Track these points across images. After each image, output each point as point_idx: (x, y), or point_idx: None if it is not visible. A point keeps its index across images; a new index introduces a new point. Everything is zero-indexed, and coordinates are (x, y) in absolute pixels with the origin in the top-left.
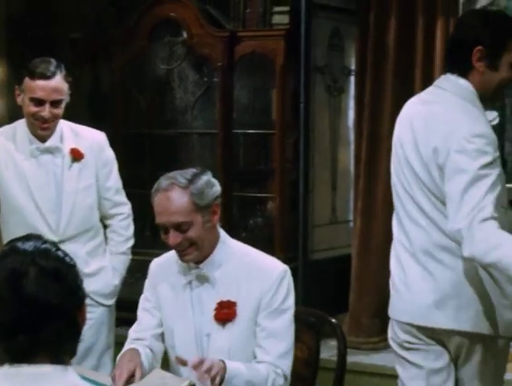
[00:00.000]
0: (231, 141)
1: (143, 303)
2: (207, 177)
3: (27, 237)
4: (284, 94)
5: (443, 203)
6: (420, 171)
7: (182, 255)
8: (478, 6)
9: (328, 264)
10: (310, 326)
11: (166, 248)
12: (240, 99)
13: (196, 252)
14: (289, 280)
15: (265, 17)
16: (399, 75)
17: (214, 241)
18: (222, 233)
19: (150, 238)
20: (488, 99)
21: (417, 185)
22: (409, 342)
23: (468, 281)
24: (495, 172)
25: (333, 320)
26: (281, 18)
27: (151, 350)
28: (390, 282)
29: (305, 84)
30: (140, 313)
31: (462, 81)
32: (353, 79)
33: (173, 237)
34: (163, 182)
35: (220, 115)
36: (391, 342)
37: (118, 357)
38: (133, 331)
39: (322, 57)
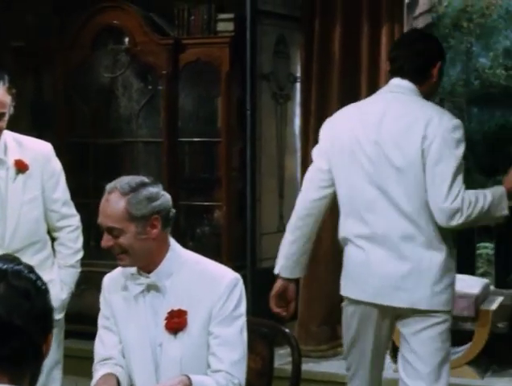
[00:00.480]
0: (176, 150)
1: (101, 321)
2: (154, 189)
3: (2, 257)
4: (230, 102)
5: (420, 197)
6: (403, 166)
7: (117, 259)
8: (417, 12)
9: None
10: (263, 336)
11: (111, 258)
12: (185, 107)
13: (128, 259)
14: (241, 288)
15: (209, 24)
16: (345, 81)
17: (157, 251)
18: (173, 242)
19: (94, 249)
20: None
21: (396, 179)
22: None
23: (425, 266)
24: None
25: (286, 330)
26: (226, 26)
27: (121, 367)
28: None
29: (251, 91)
30: (101, 331)
31: (412, 85)
32: (298, 86)
33: (105, 240)
34: (112, 183)
35: (165, 123)
36: None
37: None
38: (98, 352)
39: (268, 64)
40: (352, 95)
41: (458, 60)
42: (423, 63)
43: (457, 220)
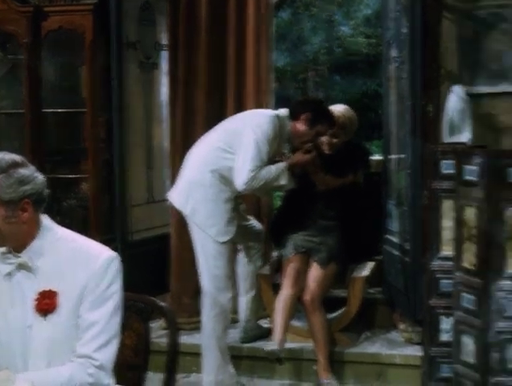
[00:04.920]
0: (40, 121)
1: None
2: (25, 172)
3: None
4: (94, 71)
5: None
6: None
7: None
8: None
9: (148, 245)
10: (138, 312)
11: None
12: (48, 77)
13: None
14: (116, 266)
15: None
16: (212, 48)
17: (28, 233)
18: (46, 221)
19: None
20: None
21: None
22: None
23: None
24: None
25: (162, 304)
26: None
27: None
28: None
29: (117, 60)
30: None
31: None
32: (165, 54)
33: None
34: None
35: (27, 94)
36: None
37: None
38: None
39: (133, 32)
40: (219, 61)
41: (320, 29)
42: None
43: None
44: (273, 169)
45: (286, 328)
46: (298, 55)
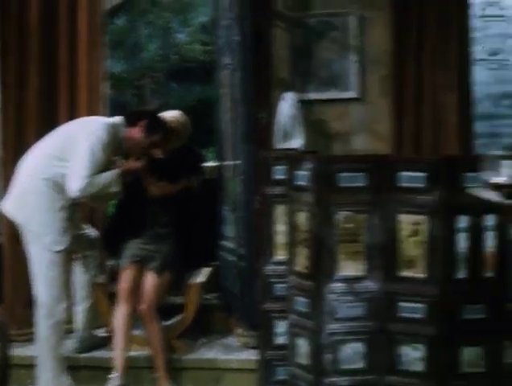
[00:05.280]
0: None
1: None
2: None
3: None
4: None
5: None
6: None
7: None
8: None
9: None
10: None
11: None
12: None
13: None
14: None
15: None
16: (44, 56)
17: None
18: None
19: None
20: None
21: None
22: None
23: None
24: None
25: None
26: None
27: None
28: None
29: None
30: None
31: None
32: None
33: None
34: None
35: None
36: None
37: None
38: None
39: None
40: (52, 69)
41: (157, 36)
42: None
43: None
44: (106, 176)
45: (127, 362)
46: (135, 62)
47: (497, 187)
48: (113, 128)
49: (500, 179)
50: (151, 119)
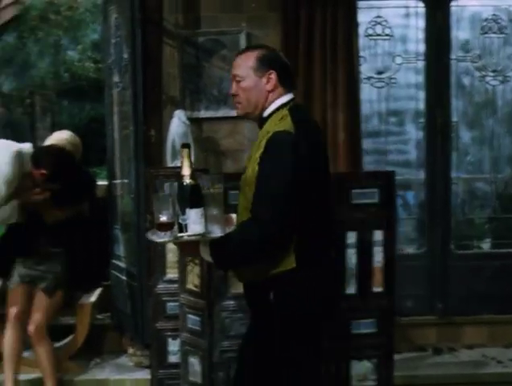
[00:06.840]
0: None
1: None
2: None
3: None
4: None
5: None
6: None
7: None
8: (4, 3)
9: None
10: None
11: None
12: None
13: None
14: None
15: None
16: None
17: None
18: None
19: None
20: None
21: None
22: None
23: None
24: None
25: None
26: None
27: None
28: None
29: None
30: None
31: None
32: None
33: None
34: None
35: None
36: None
37: None
38: None
39: None
40: None
41: (47, 53)
42: None
43: None
44: (5, 208)
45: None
46: (25, 80)
47: None
48: (23, 157)
49: None
50: (55, 162)
